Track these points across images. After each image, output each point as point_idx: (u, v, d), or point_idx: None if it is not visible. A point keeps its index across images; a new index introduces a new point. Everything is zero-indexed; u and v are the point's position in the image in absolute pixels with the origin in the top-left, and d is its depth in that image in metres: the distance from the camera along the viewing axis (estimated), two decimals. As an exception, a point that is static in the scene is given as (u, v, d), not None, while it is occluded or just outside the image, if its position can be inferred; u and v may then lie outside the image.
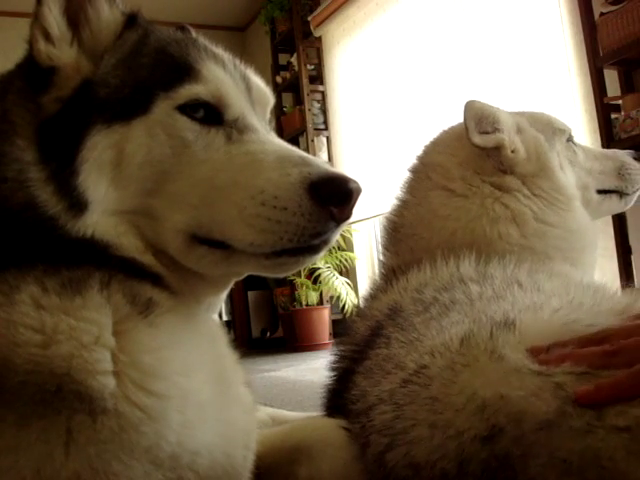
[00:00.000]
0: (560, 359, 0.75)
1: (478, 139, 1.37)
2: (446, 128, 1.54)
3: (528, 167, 1.39)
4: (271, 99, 1.02)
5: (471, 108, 1.37)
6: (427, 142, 1.54)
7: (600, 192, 1.54)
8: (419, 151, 1.54)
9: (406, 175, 1.53)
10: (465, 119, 1.37)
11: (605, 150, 1.64)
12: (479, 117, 1.37)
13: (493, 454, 0.72)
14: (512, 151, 1.38)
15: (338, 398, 1.15)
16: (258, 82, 0.99)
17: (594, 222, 1.52)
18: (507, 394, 0.74)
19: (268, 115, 1.02)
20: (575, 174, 1.49)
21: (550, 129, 1.49)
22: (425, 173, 1.46)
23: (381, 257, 1.50)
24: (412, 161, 1.54)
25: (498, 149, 1.38)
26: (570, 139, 1.53)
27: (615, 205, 1.59)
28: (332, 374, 1.25)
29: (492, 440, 0.72)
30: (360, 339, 1.19)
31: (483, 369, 0.79)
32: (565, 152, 1.49)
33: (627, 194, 1.58)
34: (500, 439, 0.72)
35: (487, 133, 1.38)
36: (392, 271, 1.34)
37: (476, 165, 1.39)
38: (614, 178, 1.56)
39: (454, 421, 0.77)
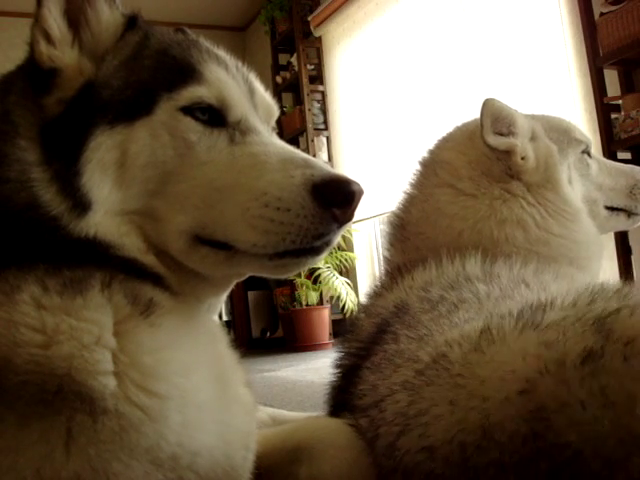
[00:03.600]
0: None
1: (491, 139, 1.35)
2: (459, 124, 1.52)
3: (535, 177, 1.37)
4: (276, 111, 1.03)
5: (489, 106, 1.35)
6: (440, 136, 1.52)
7: (608, 208, 1.53)
8: (431, 144, 1.52)
9: (415, 168, 1.51)
10: (481, 116, 1.35)
11: (622, 166, 1.61)
12: (496, 116, 1.36)
13: (526, 410, 0.71)
14: (522, 158, 1.37)
15: (343, 394, 1.15)
16: (262, 92, 0.99)
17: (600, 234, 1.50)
18: (551, 340, 0.74)
19: (273, 125, 1.02)
20: (585, 187, 1.47)
21: (566, 139, 1.46)
22: (433, 169, 1.45)
23: (385, 253, 1.49)
24: (423, 154, 1.51)
25: (508, 153, 1.36)
26: (586, 151, 1.50)
27: (622, 223, 1.57)
28: (337, 371, 1.25)
29: (527, 393, 0.71)
30: (365, 336, 1.19)
31: (518, 339, 0.79)
32: (577, 164, 1.47)
33: (635, 214, 1.56)
34: (537, 389, 0.71)
35: (502, 134, 1.36)
36: (397, 269, 1.34)
37: (484, 166, 1.38)
38: (624, 196, 1.53)
39: (478, 391, 0.76)
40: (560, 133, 1.46)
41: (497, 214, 1.33)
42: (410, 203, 1.45)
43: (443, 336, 0.93)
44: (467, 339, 0.86)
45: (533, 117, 1.48)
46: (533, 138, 1.41)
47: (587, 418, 0.67)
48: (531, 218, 1.33)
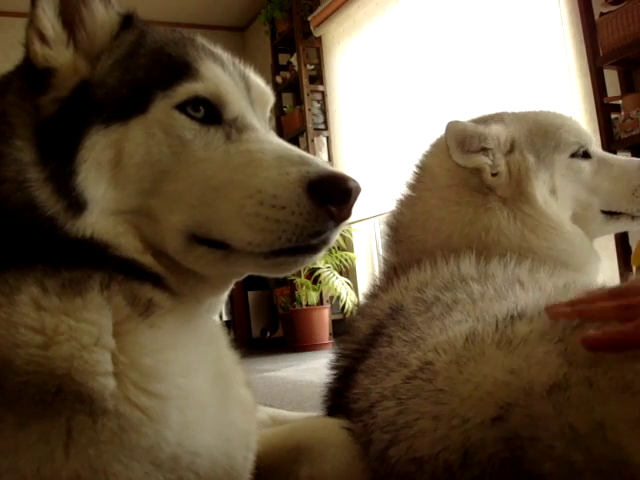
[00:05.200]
0: (572, 314, 0.77)
1: (459, 158, 1.35)
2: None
3: (507, 191, 1.35)
4: (271, 98, 1.02)
5: (451, 129, 1.35)
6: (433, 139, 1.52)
7: (606, 213, 1.43)
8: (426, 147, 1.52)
9: (411, 170, 1.50)
10: (446, 139, 1.36)
11: (628, 164, 1.47)
12: (462, 137, 1.34)
13: (502, 436, 0.71)
14: (494, 174, 1.35)
15: (339, 397, 1.15)
16: (258, 81, 0.99)
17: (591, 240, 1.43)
18: (518, 367, 0.75)
19: (268, 114, 1.02)
20: (576, 193, 1.39)
21: (553, 143, 1.39)
22: (422, 173, 1.46)
23: (383, 254, 1.49)
24: (419, 156, 1.51)
25: (479, 170, 1.35)
26: (578, 153, 1.41)
27: (625, 225, 1.48)
28: (333, 373, 1.25)
29: (501, 420, 0.72)
30: (362, 338, 1.19)
31: (491, 357, 0.80)
32: (565, 171, 1.39)
33: (635, 217, 1.44)
34: (510, 417, 0.71)
35: (474, 151, 1.35)
36: (393, 269, 1.34)
37: (462, 177, 1.37)
38: (625, 200, 1.43)
39: (459, 410, 0.77)
40: (547, 138, 1.40)
41: (481, 221, 1.32)
42: (403, 205, 1.46)
43: (433, 340, 0.93)
44: (451, 346, 0.87)
45: (522, 119, 1.43)
46: (511, 150, 1.38)
47: (559, 452, 0.67)
48: (510, 230, 1.32)
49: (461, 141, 1.34)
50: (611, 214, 1.45)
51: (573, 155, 1.41)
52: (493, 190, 1.35)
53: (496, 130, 1.38)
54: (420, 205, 1.41)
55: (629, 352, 0.69)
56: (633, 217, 1.45)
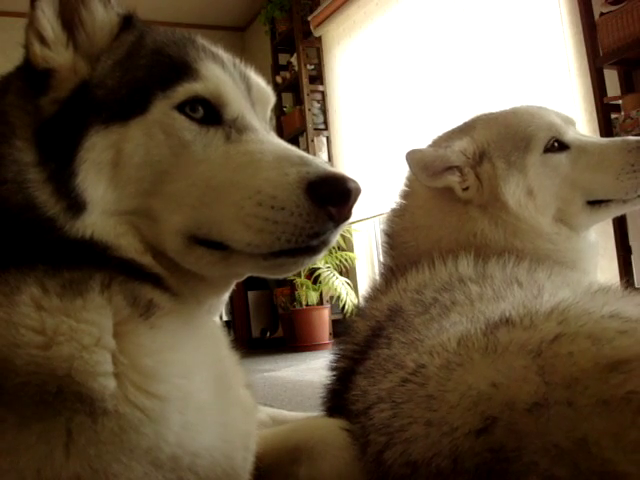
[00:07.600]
0: None
1: (427, 182, 1.37)
2: (435, 137, 1.52)
3: (483, 200, 1.36)
4: (272, 98, 1.02)
5: (412, 159, 1.37)
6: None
7: (592, 203, 1.38)
8: None
9: (402, 178, 1.53)
10: (411, 169, 1.39)
11: (608, 147, 1.39)
12: (423, 164, 1.36)
13: (488, 447, 0.72)
14: (465, 188, 1.36)
15: (338, 399, 1.15)
16: (258, 81, 0.99)
17: (583, 234, 1.40)
18: (498, 381, 0.76)
19: (269, 114, 1.02)
20: (555, 188, 1.36)
21: (522, 145, 1.36)
22: (408, 184, 1.49)
23: (382, 258, 1.51)
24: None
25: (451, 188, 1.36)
26: (551, 148, 1.36)
27: (618, 211, 1.42)
28: (332, 374, 1.26)
29: (486, 432, 0.73)
30: (361, 339, 1.19)
31: (476, 365, 0.81)
32: (540, 169, 1.35)
33: (627, 200, 1.38)
34: (494, 430, 0.73)
35: (439, 173, 1.36)
36: (391, 272, 1.35)
37: (441, 190, 1.38)
38: (609, 187, 1.37)
39: (448, 418, 0.78)
40: (517, 139, 1.36)
41: (466, 228, 1.34)
42: (395, 214, 1.49)
43: (430, 341, 0.93)
44: (444, 349, 0.88)
45: (493, 124, 1.40)
46: (480, 160, 1.37)
47: (543, 467, 0.68)
48: (493, 236, 1.33)
49: (424, 167, 1.36)
50: (599, 203, 1.39)
51: (547, 150, 1.37)
52: (469, 202, 1.37)
53: (460, 146, 1.38)
54: (408, 215, 1.44)
55: (605, 369, 0.70)
56: (624, 201, 1.39)
